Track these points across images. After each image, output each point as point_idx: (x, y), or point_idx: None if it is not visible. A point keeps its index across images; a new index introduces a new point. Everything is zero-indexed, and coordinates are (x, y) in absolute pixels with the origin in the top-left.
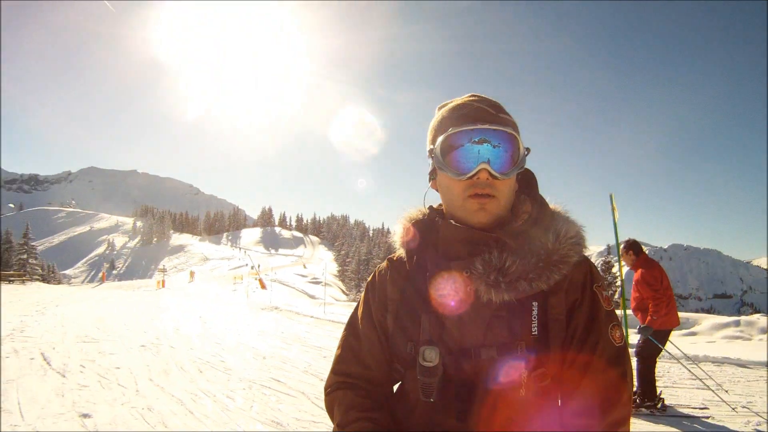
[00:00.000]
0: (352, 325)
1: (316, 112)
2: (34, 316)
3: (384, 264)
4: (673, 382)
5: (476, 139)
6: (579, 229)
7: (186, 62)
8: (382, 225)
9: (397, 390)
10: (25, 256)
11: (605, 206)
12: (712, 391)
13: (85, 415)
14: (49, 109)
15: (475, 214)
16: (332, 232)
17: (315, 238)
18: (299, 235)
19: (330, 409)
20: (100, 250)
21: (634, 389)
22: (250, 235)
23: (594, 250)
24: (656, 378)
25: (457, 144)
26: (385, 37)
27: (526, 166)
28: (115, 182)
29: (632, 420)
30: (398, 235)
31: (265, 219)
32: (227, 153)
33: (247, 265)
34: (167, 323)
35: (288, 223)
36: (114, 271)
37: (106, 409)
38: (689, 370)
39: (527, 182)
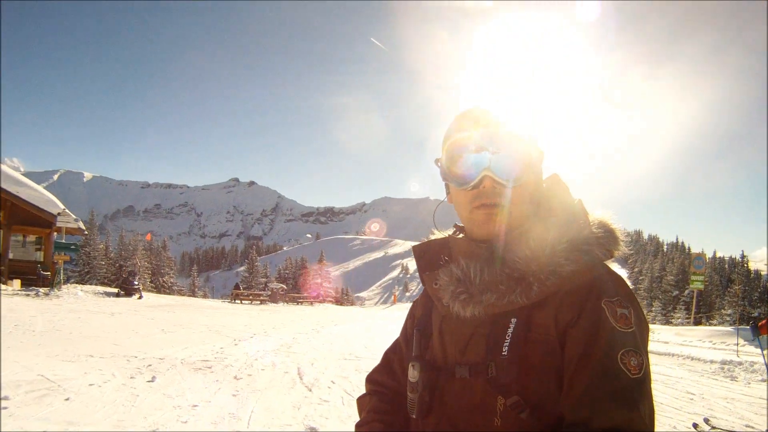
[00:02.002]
0: (395, 341)
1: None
2: (308, 334)
3: None
4: None
5: (477, 144)
6: (588, 234)
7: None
8: (677, 239)
9: None
10: (319, 281)
11: None
12: None
13: (311, 429)
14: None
15: (482, 226)
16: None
17: None
18: None
19: (359, 412)
20: (394, 273)
21: None
22: None
23: None
24: None
25: (459, 151)
26: None
27: (556, 172)
28: (408, 210)
29: None
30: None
31: None
32: None
33: None
34: None
35: None
36: (407, 294)
37: (335, 424)
38: None
39: (556, 189)
